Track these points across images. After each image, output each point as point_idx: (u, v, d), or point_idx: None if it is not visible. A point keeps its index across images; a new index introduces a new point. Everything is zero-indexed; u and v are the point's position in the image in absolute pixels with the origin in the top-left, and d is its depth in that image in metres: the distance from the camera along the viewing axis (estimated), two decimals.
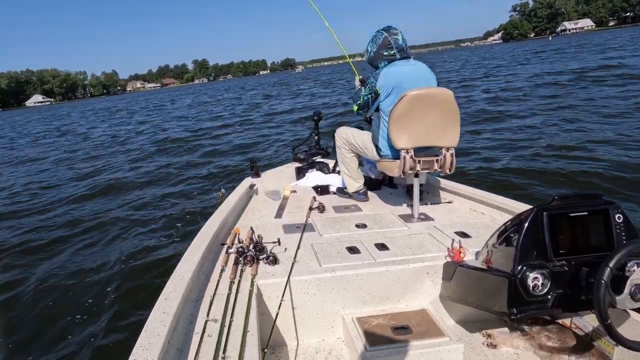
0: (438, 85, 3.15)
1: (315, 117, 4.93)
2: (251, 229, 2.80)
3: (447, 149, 3.03)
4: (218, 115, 22.98)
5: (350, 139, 3.55)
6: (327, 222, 3.15)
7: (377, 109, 3.24)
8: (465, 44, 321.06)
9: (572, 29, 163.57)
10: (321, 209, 3.43)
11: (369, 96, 3.20)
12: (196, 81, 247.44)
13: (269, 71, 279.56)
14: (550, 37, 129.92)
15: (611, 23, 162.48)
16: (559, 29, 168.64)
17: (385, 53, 3.17)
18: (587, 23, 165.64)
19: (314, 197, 3.68)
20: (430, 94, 2.93)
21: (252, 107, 25.49)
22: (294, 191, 4.06)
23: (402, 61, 3.17)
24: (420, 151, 3.08)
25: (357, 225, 3.03)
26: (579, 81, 16.19)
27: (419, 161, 3.03)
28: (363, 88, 3.29)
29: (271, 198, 3.87)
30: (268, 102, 27.05)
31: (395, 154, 3.14)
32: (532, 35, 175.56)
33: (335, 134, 3.71)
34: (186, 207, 6.76)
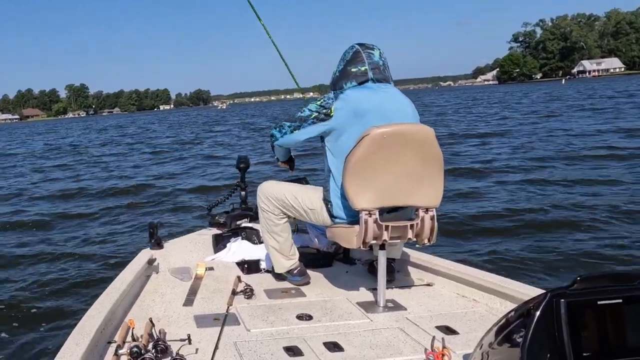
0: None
1: (242, 165, 4.90)
2: (150, 321, 2.75)
3: (426, 211, 3.04)
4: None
5: (285, 198, 3.49)
6: (257, 311, 3.15)
7: (327, 153, 3.25)
8: (447, 83, 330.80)
9: (594, 70, 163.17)
10: (249, 293, 3.41)
11: (315, 113, 3.21)
12: (70, 114, 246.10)
13: (172, 105, 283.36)
14: (563, 80, 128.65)
15: None
16: (575, 69, 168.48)
17: (353, 70, 3.23)
18: (613, 64, 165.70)
19: (239, 277, 3.67)
20: (402, 133, 2.97)
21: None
22: (211, 268, 4.04)
23: (377, 84, 3.23)
24: (388, 213, 3.08)
25: (299, 317, 3.04)
26: None
27: (387, 227, 3.01)
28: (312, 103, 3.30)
29: (178, 278, 3.84)
30: None
31: (353, 217, 3.13)
32: (538, 75, 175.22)
33: (258, 192, 3.66)
34: (58, 290, 6.62)
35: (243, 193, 4.97)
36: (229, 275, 3.86)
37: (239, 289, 3.45)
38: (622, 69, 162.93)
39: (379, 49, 3.32)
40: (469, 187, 11.11)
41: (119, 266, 4.30)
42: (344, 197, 3.12)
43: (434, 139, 3.01)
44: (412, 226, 3.05)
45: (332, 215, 3.28)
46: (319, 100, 3.25)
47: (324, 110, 3.17)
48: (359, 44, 3.30)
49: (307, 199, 3.42)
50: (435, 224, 3.07)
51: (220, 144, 27.99)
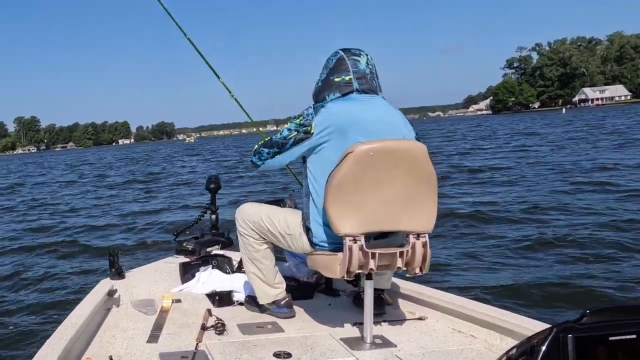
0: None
1: (212, 185, 4.88)
2: (110, 359, 2.79)
3: (418, 236, 3.02)
4: None
5: (262, 222, 3.50)
6: (230, 349, 3.12)
7: (306, 172, 3.25)
8: (436, 113, 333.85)
9: (597, 98, 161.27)
10: (220, 328, 3.40)
11: (294, 133, 3.19)
12: (19, 150, 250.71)
13: (133, 140, 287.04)
14: (563, 110, 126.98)
15: None
16: (576, 97, 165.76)
17: (337, 79, 3.22)
18: (618, 91, 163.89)
19: (209, 311, 3.67)
20: (391, 149, 2.95)
21: None
22: (178, 300, 4.04)
23: (363, 96, 3.21)
24: (375, 239, 3.07)
25: (277, 355, 3.02)
26: None
27: (374, 255, 2.99)
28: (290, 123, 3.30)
29: (142, 311, 3.82)
30: None
31: (336, 244, 3.11)
32: (536, 104, 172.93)
33: (236, 215, 3.68)
34: (7, 330, 6.55)
35: (213, 217, 4.95)
36: (198, 308, 3.84)
37: (209, 324, 3.43)
38: (628, 97, 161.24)
39: (367, 55, 3.30)
40: (465, 211, 11.23)
41: (75, 299, 4.24)
42: (325, 222, 3.09)
43: (427, 156, 2.99)
44: (402, 253, 3.01)
45: (312, 242, 3.25)
46: (298, 118, 3.23)
47: (304, 128, 3.16)
48: (344, 50, 3.28)
49: (284, 223, 3.41)
50: (428, 251, 3.04)
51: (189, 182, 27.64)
